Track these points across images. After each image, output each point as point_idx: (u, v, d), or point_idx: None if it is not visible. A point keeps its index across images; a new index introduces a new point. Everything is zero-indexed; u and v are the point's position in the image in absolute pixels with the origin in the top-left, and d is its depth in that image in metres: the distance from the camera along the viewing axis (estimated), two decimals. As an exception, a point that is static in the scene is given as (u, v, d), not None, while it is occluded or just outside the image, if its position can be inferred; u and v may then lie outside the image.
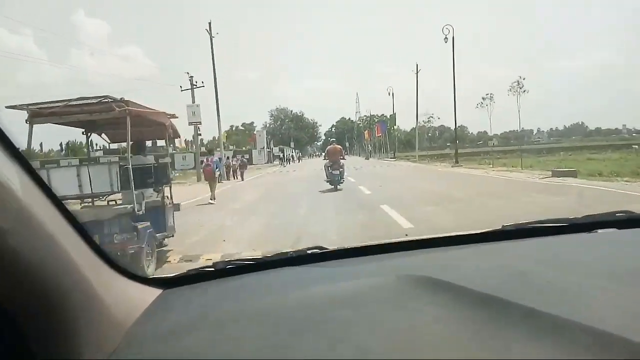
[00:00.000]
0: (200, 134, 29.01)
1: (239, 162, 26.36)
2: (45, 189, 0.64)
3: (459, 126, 41.91)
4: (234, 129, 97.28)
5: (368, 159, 61.71)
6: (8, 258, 0.53)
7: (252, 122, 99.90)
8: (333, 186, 14.22)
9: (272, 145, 67.69)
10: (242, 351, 0.69)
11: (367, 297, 0.85)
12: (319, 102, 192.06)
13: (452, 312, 0.73)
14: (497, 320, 0.67)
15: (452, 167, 27.30)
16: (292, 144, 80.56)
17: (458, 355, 0.62)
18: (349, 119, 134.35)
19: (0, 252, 0.52)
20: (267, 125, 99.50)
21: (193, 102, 26.27)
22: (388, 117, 65.62)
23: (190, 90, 26.65)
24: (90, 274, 0.70)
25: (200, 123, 26.83)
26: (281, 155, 57.75)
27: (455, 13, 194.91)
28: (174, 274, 1.12)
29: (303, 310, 0.82)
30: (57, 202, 0.66)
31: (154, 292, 0.99)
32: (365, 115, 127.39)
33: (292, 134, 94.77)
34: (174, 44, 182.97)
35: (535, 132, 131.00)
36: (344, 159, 14.77)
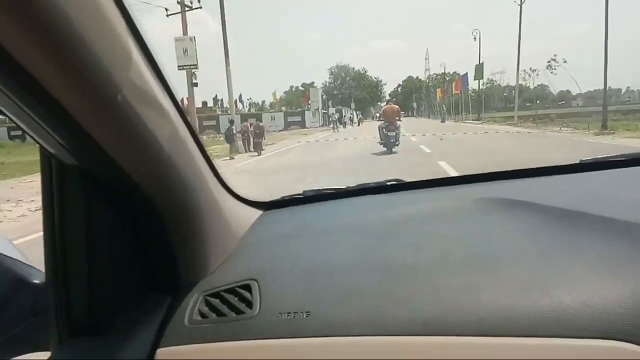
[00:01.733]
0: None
1: (253, 129, 17.77)
2: (191, 130, 0.74)
3: (538, 85, 33.18)
4: (293, 89, 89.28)
5: (444, 121, 50.88)
6: (166, 179, 0.67)
7: (313, 82, 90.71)
8: (387, 149, 13.08)
9: (329, 106, 57.71)
10: (338, 253, 0.81)
11: (445, 215, 0.92)
12: (386, 63, 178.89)
13: (528, 223, 0.80)
14: (572, 228, 0.74)
15: (597, 136, 17.01)
16: (352, 105, 70.45)
17: (538, 256, 0.68)
18: (417, 77, 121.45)
19: (162, 173, 0.66)
20: (327, 84, 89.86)
21: (185, 33, 17.61)
22: (474, 66, 54.06)
23: (180, 14, 17.71)
24: (215, 195, 0.84)
25: (195, 67, 17.88)
26: (337, 117, 48.71)
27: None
28: (270, 199, 1.23)
29: (387, 225, 0.91)
30: (197, 140, 0.77)
31: (257, 213, 1.13)
32: (435, 74, 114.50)
33: (353, 93, 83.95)
34: None
35: (623, 91, 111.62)
36: (400, 120, 13.84)
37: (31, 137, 0.58)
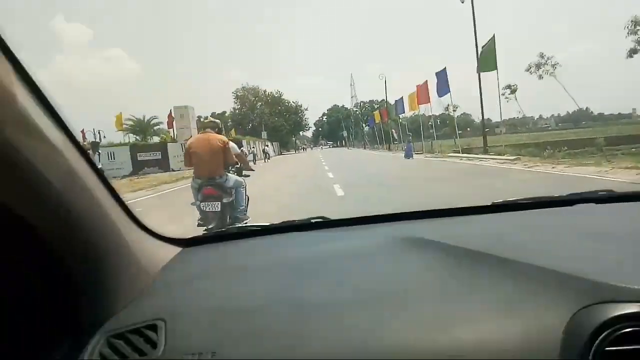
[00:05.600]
0: None
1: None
2: (91, 164, 0.73)
3: (462, 114, 32.64)
4: (202, 119, 72.12)
5: (391, 150, 38.03)
6: (64, 218, 0.64)
7: (225, 112, 74.17)
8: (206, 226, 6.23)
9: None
10: (253, 291, 0.81)
11: (365, 252, 0.97)
12: (310, 100, 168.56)
13: (438, 262, 0.85)
14: (476, 269, 0.79)
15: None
16: (263, 134, 54.41)
17: (441, 295, 0.73)
18: (343, 106, 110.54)
19: (58, 212, 0.63)
20: (234, 110, 73.06)
21: None
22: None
23: None
24: (123, 231, 0.81)
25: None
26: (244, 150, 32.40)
27: None
28: (192, 236, 1.21)
29: (307, 262, 0.93)
30: (99, 174, 0.75)
31: (175, 250, 1.11)
32: (362, 101, 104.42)
33: (266, 120, 66.61)
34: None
35: (536, 118, 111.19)
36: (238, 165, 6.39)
37: None
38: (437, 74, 24.84)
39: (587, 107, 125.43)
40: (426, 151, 30.06)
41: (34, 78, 0.55)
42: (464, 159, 19.99)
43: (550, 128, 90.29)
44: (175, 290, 0.87)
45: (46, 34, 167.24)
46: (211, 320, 0.73)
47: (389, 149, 44.16)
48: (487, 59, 20.66)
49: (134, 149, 30.86)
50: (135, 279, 0.85)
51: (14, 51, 0.52)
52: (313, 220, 1.30)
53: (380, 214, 1.35)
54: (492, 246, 0.88)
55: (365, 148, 67.18)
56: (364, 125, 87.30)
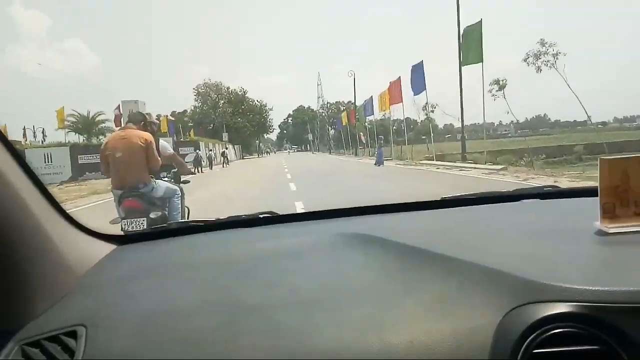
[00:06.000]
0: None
1: None
2: (17, 158, 0.71)
3: (425, 119, 27.15)
4: (160, 118, 67.82)
5: (358, 155, 35.80)
6: None
7: (185, 111, 69.92)
8: None
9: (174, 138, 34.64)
10: (186, 293, 0.77)
11: (306, 250, 0.94)
12: (274, 95, 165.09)
13: (378, 260, 0.83)
14: (415, 265, 0.78)
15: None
16: (224, 136, 51.08)
17: (377, 294, 0.72)
18: (309, 107, 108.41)
19: None
20: (194, 109, 68.65)
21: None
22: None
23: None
24: (48, 226, 0.75)
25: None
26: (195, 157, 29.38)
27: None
28: (129, 232, 1.17)
29: (247, 261, 0.89)
30: (28, 170, 0.73)
31: (109, 247, 1.04)
32: (329, 102, 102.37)
33: (228, 121, 62.15)
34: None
35: (496, 124, 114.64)
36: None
37: None
38: (413, 67, 22.69)
39: (545, 114, 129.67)
40: (396, 157, 28.17)
41: None
42: (441, 167, 17.98)
43: (509, 135, 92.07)
44: (102, 292, 0.81)
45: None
46: (137, 325, 0.68)
47: (356, 154, 42.20)
48: (470, 49, 18.35)
49: (75, 150, 26.83)
50: (60, 279, 0.79)
51: None
52: (261, 216, 1.28)
53: (329, 209, 1.32)
54: (435, 242, 0.87)
55: (330, 153, 64.96)
56: (329, 128, 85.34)
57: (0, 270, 0.66)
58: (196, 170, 28.22)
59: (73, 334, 0.66)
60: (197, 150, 32.23)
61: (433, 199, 1.36)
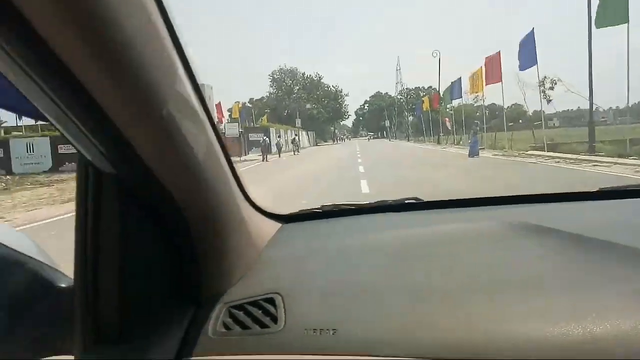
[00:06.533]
0: None
1: None
2: (221, 142, 0.74)
3: (512, 105, 26.73)
4: (239, 104, 67.90)
5: (440, 143, 31.62)
6: (199, 189, 0.67)
7: (262, 98, 69.30)
8: None
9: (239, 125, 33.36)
10: (361, 272, 0.82)
11: (469, 237, 0.91)
12: (352, 88, 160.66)
13: (555, 252, 0.79)
14: (603, 258, 0.75)
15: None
16: (297, 122, 48.82)
17: (570, 284, 0.68)
18: (386, 93, 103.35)
19: (196, 183, 0.65)
20: (269, 95, 67.35)
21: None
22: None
23: None
24: (238, 208, 0.83)
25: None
26: (267, 142, 27.05)
27: None
28: (290, 212, 1.23)
29: (408, 245, 0.90)
30: (227, 154, 0.77)
31: (277, 225, 1.14)
32: (408, 88, 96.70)
33: (302, 107, 59.96)
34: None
35: (594, 110, 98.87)
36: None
37: (70, 142, 0.59)
38: (522, 42, 18.43)
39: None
40: (488, 147, 23.73)
41: (189, 57, 0.56)
42: (561, 161, 13.69)
43: (608, 122, 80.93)
44: (285, 266, 0.89)
45: None
46: (326, 298, 0.73)
47: (438, 142, 37.70)
48: (610, 7, 13.81)
49: (55, 139, 24.07)
50: (248, 252, 0.87)
51: (174, 26, 0.52)
52: (407, 202, 1.31)
53: (476, 197, 1.30)
54: (612, 233, 0.82)
55: (408, 140, 60.47)
56: (407, 114, 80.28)
57: (210, 243, 0.73)
58: (263, 157, 26.23)
59: (271, 301, 0.74)
60: (265, 137, 30.38)
61: (591, 190, 1.28)
